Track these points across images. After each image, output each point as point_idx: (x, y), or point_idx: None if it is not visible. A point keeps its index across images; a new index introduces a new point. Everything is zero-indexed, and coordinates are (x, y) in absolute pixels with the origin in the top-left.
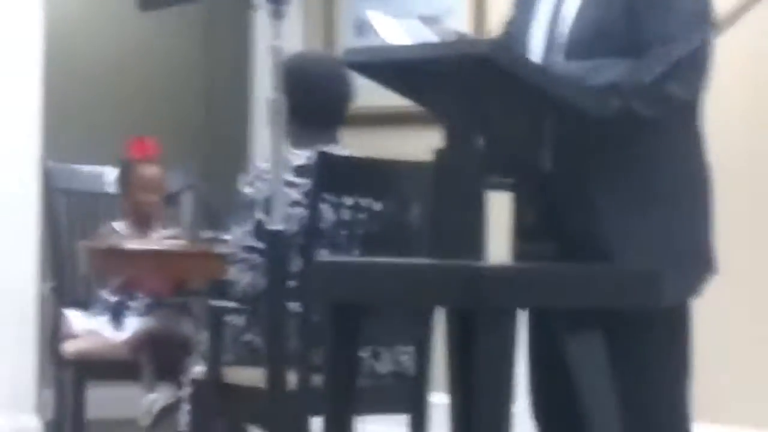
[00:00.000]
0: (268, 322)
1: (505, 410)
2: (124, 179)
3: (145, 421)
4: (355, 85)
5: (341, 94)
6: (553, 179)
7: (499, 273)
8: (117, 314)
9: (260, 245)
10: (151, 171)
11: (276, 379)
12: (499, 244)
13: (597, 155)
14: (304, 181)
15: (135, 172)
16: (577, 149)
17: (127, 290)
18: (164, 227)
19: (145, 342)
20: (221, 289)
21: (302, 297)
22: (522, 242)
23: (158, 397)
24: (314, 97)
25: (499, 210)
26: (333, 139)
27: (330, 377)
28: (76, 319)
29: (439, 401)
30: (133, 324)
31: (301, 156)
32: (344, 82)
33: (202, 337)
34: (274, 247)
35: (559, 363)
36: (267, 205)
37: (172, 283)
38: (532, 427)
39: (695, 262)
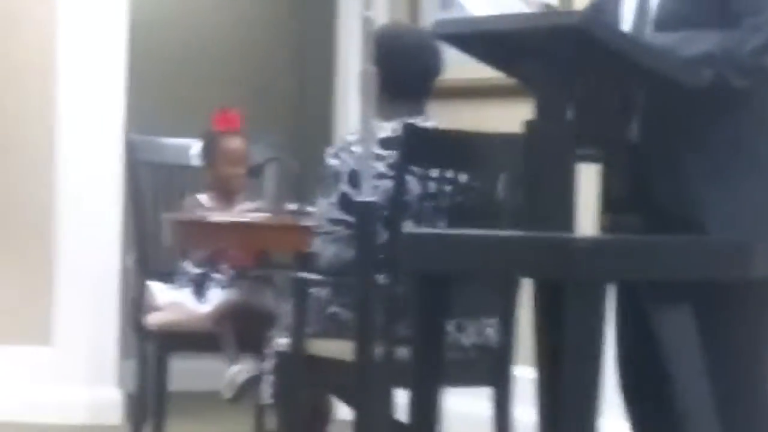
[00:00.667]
0: (356, 294)
1: (593, 383)
2: (208, 151)
3: (228, 394)
4: (444, 58)
5: (431, 66)
6: (642, 150)
7: (588, 245)
8: (200, 286)
9: (346, 217)
10: (235, 143)
11: (363, 351)
12: (587, 217)
13: (687, 126)
14: (390, 153)
15: (219, 144)
16: (668, 120)
17: (210, 262)
18: (248, 199)
19: (228, 314)
20: (305, 261)
21: (388, 269)
22: (611, 214)
23: (241, 369)
24: (404, 69)
25: (588, 182)
26: (420, 112)
27: (416, 349)
28: (159, 291)
29: (524, 374)
30: (216, 296)
31: (387, 128)
32: (434, 54)
33: (285, 310)
34: (362, 218)
35: (647, 337)
36: (353, 178)
37: (255, 256)
38: (620, 401)
39: None
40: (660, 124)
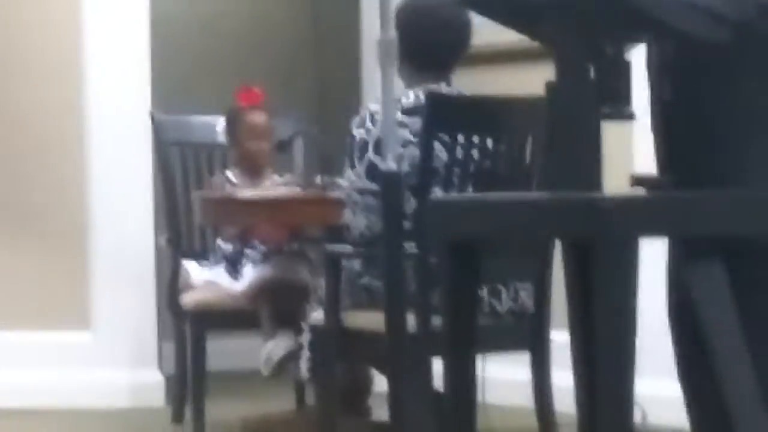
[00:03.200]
0: (385, 264)
1: (628, 343)
2: (232, 128)
3: (266, 371)
4: (472, 27)
5: (461, 38)
6: (674, 108)
7: (614, 203)
8: (234, 264)
9: (374, 187)
10: (258, 118)
11: (395, 321)
12: (616, 176)
13: (718, 77)
14: (414, 121)
15: (242, 120)
16: (698, 74)
17: (242, 239)
18: (276, 174)
19: (264, 290)
20: (337, 233)
21: (418, 237)
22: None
23: (278, 345)
24: (434, 41)
25: (617, 141)
26: (445, 79)
27: (449, 317)
28: (193, 270)
29: (560, 338)
30: (250, 273)
31: (410, 95)
32: (465, 26)
33: (319, 283)
34: (388, 187)
35: None
36: (379, 146)
37: (287, 231)
38: (654, 365)
39: None
40: (691, 80)
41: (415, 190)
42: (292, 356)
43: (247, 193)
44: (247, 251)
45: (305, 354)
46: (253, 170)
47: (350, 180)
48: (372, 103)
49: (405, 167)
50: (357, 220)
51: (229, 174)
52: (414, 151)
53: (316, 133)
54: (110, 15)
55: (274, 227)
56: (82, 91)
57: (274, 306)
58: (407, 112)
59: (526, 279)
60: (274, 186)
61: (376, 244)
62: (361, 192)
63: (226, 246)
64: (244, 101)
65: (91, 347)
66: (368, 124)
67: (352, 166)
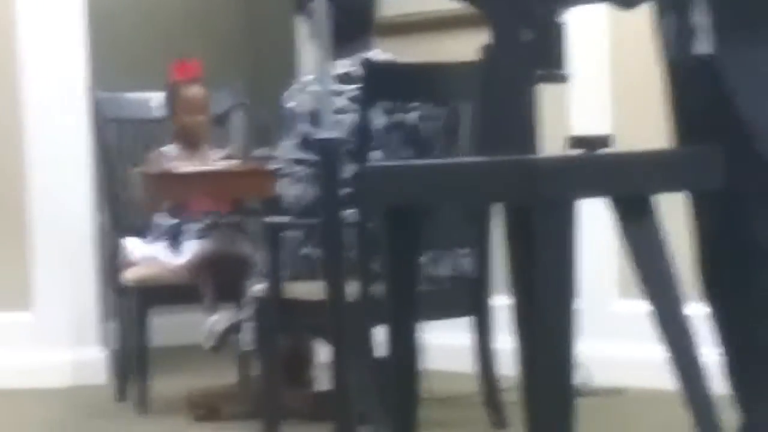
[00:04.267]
0: (324, 231)
1: (567, 305)
2: (170, 102)
3: (209, 344)
4: None
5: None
6: (717, 63)
7: (551, 165)
8: (174, 238)
9: (307, 156)
10: (194, 92)
11: (335, 290)
12: (552, 138)
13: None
14: (348, 88)
15: (179, 94)
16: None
17: (181, 212)
18: (214, 148)
19: (204, 264)
20: (276, 205)
21: (357, 204)
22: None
23: (220, 318)
24: (347, 6)
25: (553, 103)
26: (371, 46)
27: (390, 284)
28: (133, 246)
29: (502, 303)
30: (190, 247)
31: (344, 64)
32: None
33: (260, 255)
34: (325, 155)
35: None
36: (313, 116)
37: (226, 204)
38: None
39: None
40: (730, 35)
41: (353, 155)
42: (234, 329)
43: (186, 166)
44: (187, 226)
45: (248, 326)
46: (191, 144)
47: (284, 151)
48: (303, 75)
49: (341, 134)
50: (291, 190)
51: (166, 149)
52: (349, 118)
53: (253, 106)
54: None
55: (213, 200)
56: (18, 70)
57: (215, 279)
58: (341, 79)
59: (467, 244)
60: (213, 159)
61: (311, 212)
62: (295, 162)
63: (165, 221)
64: (180, 75)
65: (33, 327)
66: (300, 95)
67: (286, 138)
